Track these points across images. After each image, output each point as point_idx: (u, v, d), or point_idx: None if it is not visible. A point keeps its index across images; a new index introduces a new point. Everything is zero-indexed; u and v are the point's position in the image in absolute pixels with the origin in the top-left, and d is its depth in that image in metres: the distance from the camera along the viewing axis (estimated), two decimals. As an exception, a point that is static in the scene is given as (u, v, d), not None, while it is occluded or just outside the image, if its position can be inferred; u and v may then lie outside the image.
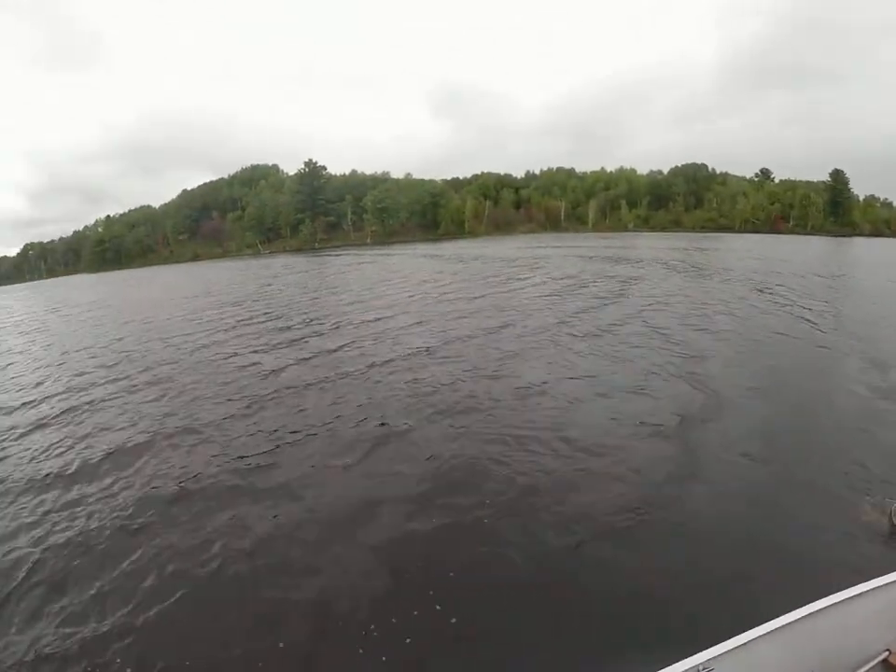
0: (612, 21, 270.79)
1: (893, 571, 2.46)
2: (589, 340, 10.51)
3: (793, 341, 10.98)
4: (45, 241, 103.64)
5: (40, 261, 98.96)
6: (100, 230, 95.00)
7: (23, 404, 8.95)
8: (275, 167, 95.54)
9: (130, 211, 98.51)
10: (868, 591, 2.37)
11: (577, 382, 8.15)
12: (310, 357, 10.05)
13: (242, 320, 15.08)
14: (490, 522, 4.58)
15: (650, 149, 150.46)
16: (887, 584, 2.41)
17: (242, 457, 5.95)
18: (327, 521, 4.71)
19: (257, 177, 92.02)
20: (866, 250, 46.46)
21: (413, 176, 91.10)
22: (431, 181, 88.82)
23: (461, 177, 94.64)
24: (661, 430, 6.45)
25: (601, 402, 7.37)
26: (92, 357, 12.01)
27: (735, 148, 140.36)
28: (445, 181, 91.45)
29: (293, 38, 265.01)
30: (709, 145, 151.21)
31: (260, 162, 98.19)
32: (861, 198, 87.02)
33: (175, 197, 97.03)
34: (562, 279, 20.96)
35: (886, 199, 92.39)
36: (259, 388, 8.40)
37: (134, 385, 9.21)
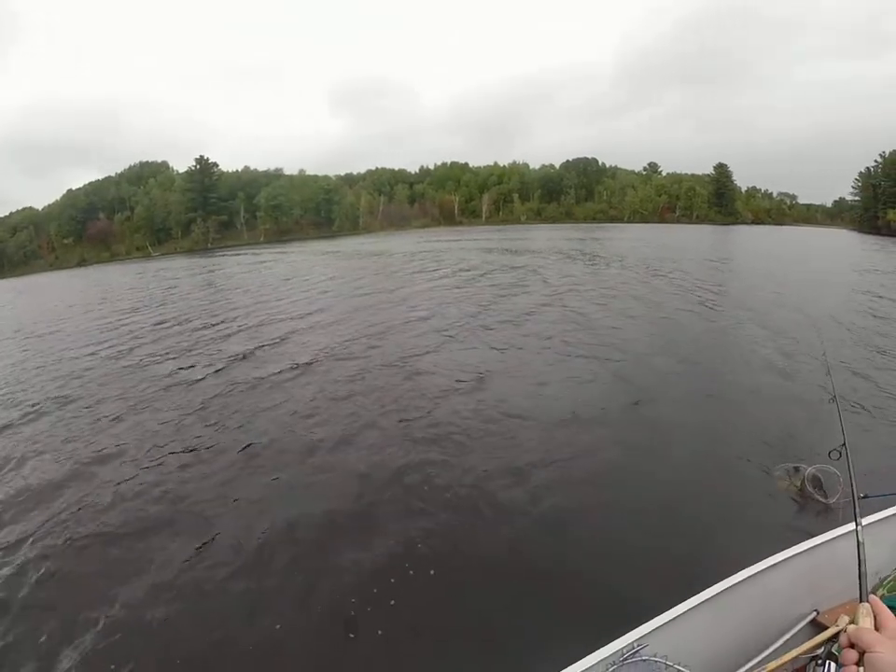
0: (516, 21, 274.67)
1: (813, 536, 2.55)
2: (508, 328, 11.18)
3: (695, 316, 12.21)
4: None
5: None
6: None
7: None
8: (165, 164, 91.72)
9: (11, 213, 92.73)
10: (792, 556, 2.45)
11: (503, 369, 8.49)
12: (225, 366, 9.66)
13: (147, 329, 14.31)
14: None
15: (544, 146, 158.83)
16: (808, 549, 2.50)
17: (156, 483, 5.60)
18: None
19: (146, 175, 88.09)
20: (747, 236, 51.13)
21: (308, 173, 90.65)
22: (325, 177, 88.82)
23: (355, 173, 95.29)
24: (584, 408, 6.76)
25: (529, 388, 7.62)
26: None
27: (626, 146, 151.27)
28: (339, 177, 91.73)
29: (186, 27, 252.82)
30: (602, 142, 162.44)
31: (150, 159, 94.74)
32: (744, 189, 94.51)
33: (59, 198, 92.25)
34: (467, 270, 21.92)
35: (767, 190, 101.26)
36: (176, 400, 8.08)
37: (45, 405, 8.56)
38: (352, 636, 3.45)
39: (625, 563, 3.92)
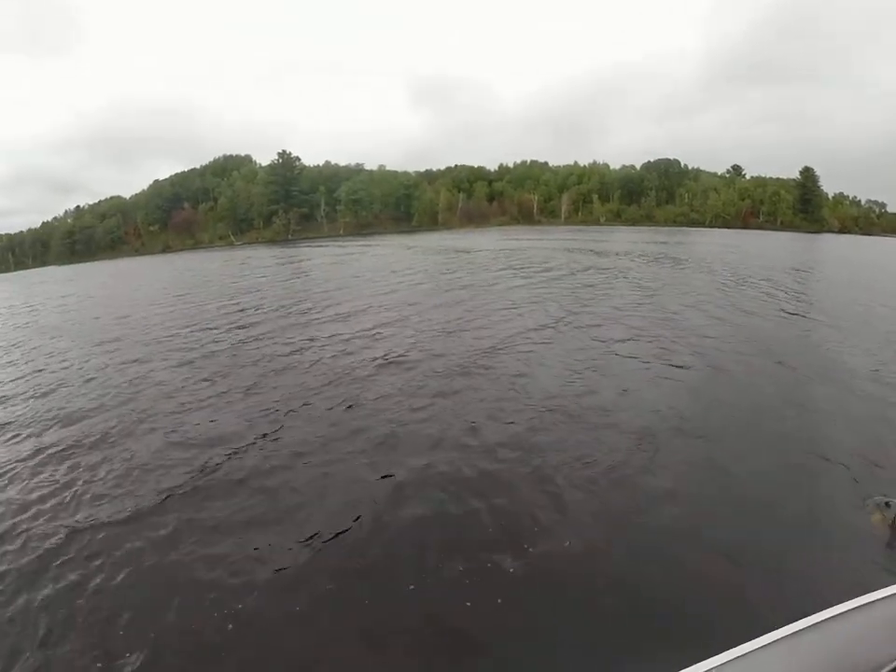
0: (594, 14, 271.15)
1: None
2: (608, 324, 10.99)
3: (788, 326, 11.46)
4: (12, 232, 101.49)
5: (7, 253, 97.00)
6: (69, 221, 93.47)
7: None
8: (248, 157, 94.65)
9: (100, 201, 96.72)
10: (878, 599, 2.30)
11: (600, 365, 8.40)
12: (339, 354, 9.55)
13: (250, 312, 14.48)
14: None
15: (624, 144, 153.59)
16: (887, 597, 2.33)
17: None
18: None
19: (229, 168, 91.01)
20: (837, 245, 47.73)
21: (387, 168, 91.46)
22: (405, 173, 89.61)
23: (434, 169, 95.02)
24: (674, 415, 6.44)
25: (621, 389, 7.45)
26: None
27: (708, 145, 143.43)
28: (419, 173, 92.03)
29: (270, 28, 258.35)
30: (683, 141, 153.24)
31: (233, 153, 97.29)
32: (831, 195, 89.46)
33: (146, 187, 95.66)
34: (553, 269, 21.45)
35: (855, 197, 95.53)
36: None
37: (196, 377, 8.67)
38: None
39: (698, 588, 3.76)
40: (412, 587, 3.76)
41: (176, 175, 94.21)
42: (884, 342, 10.40)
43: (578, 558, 4.08)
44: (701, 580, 3.84)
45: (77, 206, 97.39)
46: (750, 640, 2.03)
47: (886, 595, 2.29)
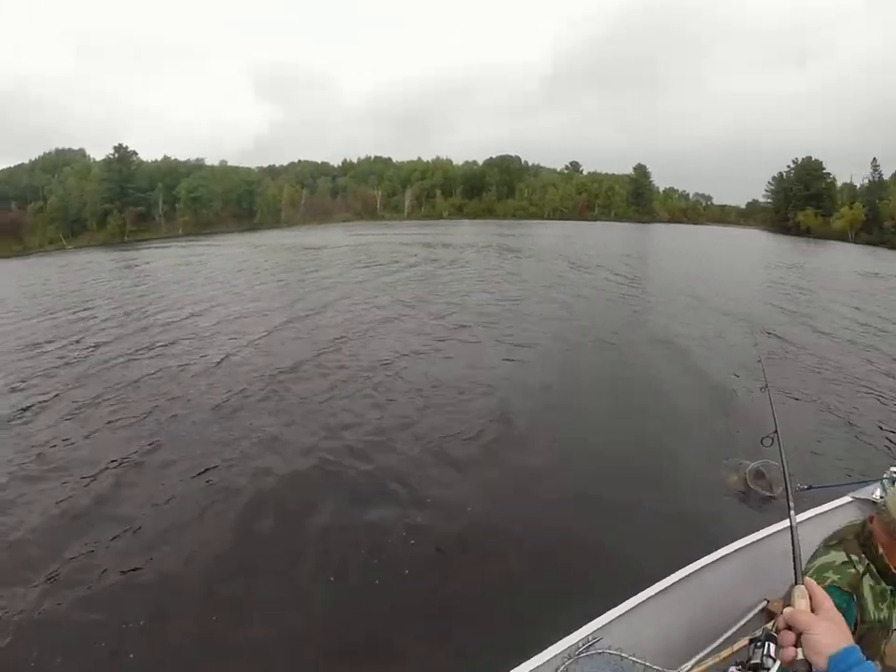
0: (447, 16, 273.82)
1: (759, 529, 2.68)
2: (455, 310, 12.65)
3: (623, 308, 13.41)
4: None
5: None
6: None
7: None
8: (82, 151, 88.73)
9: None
10: (740, 548, 2.56)
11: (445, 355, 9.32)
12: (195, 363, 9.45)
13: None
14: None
15: (469, 142, 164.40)
16: (755, 541, 2.62)
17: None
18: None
19: (61, 163, 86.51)
20: (666, 235, 54.99)
21: (229, 164, 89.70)
22: (247, 169, 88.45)
23: (278, 165, 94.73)
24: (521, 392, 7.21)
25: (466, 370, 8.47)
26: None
27: (548, 146, 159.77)
28: (261, 169, 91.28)
29: (104, 8, 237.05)
30: (525, 140, 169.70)
31: (66, 146, 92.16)
32: (662, 190, 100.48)
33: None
34: (400, 263, 23.08)
35: (683, 191, 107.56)
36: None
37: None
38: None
39: (577, 559, 3.98)
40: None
41: (2, 171, 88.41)
42: (719, 317, 12.29)
43: (465, 530, 4.37)
44: (580, 542, 4.11)
45: None
46: (629, 598, 2.22)
47: (747, 543, 2.56)
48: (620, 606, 2.20)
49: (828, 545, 1.86)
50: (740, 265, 27.80)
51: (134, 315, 14.91)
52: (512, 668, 1.90)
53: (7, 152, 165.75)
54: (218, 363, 9.52)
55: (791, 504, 1.63)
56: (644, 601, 2.25)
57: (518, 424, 6.60)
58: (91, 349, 11.17)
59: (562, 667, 1.96)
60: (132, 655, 3.45)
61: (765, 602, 2.56)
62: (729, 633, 2.41)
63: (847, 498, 3.00)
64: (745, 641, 2.20)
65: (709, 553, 2.52)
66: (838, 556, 1.77)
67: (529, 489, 5.11)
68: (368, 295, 15.40)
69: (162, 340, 11.63)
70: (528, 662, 1.93)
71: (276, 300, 15.52)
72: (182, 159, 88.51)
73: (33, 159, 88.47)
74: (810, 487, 3.08)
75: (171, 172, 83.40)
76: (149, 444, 6.39)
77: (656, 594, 2.29)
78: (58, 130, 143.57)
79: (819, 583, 1.10)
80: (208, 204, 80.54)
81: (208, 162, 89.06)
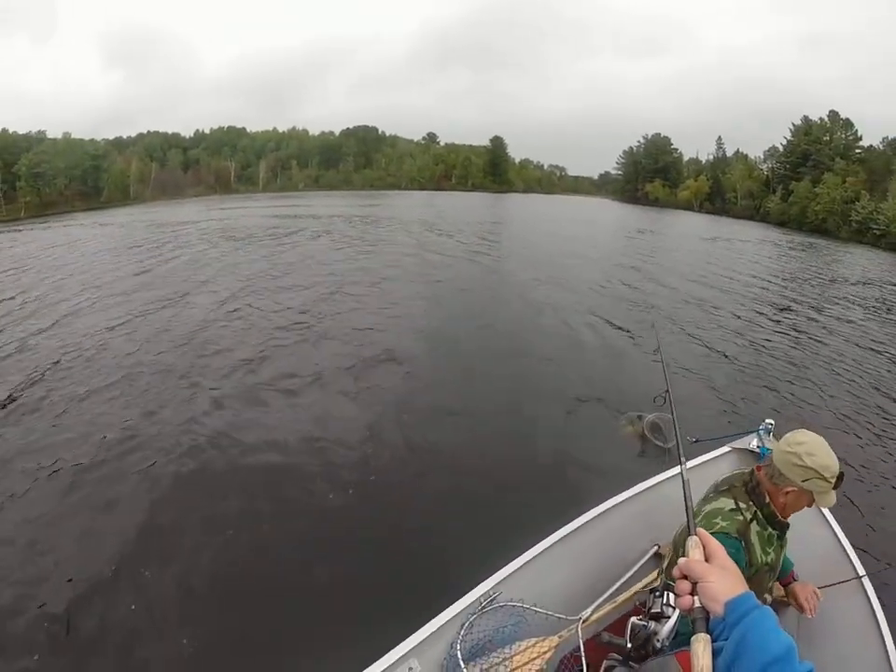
0: None
1: (650, 477, 2.77)
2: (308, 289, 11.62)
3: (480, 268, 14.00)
4: None
5: None
6: None
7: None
8: None
9: None
10: (631, 496, 2.65)
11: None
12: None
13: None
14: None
15: (327, 114, 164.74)
16: (646, 489, 2.71)
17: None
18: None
19: None
20: (523, 203, 56.92)
21: (73, 136, 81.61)
22: (92, 141, 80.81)
23: (126, 137, 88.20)
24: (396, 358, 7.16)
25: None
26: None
27: (410, 119, 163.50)
28: (108, 141, 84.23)
29: None
30: (386, 113, 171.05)
31: None
32: (518, 161, 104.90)
33: None
34: (272, 238, 21.03)
35: (539, 162, 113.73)
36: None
37: None
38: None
39: (474, 515, 3.93)
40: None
41: None
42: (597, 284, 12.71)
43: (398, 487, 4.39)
44: (477, 497, 4.18)
45: None
46: (532, 547, 2.29)
47: (638, 491, 2.69)
48: (518, 559, 2.24)
49: (719, 490, 1.98)
50: (600, 231, 29.40)
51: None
52: (419, 626, 1.93)
53: None
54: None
55: (683, 457, 1.63)
56: (541, 552, 2.30)
57: (415, 382, 6.62)
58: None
59: (467, 623, 2.01)
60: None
61: (657, 547, 2.66)
62: (624, 578, 2.47)
63: (726, 448, 3.08)
64: (639, 586, 2.43)
65: (603, 502, 2.59)
66: (727, 503, 1.88)
67: (427, 444, 5.06)
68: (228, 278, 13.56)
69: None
70: (435, 619, 1.97)
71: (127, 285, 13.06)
72: (22, 132, 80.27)
73: None
74: (697, 440, 3.02)
75: (9, 146, 78.15)
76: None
77: (552, 544, 2.34)
78: None
79: (708, 529, 1.22)
80: (51, 182, 74.56)
81: (50, 135, 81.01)
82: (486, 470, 4.67)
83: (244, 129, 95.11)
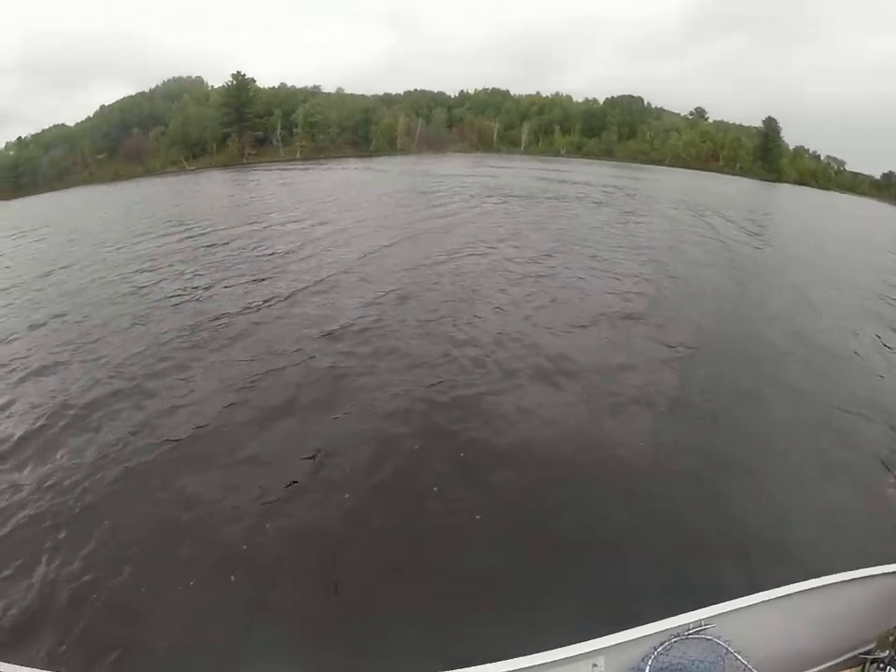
0: None
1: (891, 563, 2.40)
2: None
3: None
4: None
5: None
6: (11, 153, 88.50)
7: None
8: (200, 80, 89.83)
9: (43, 131, 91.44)
10: (879, 574, 2.30)
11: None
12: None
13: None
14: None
15: (589, 80, 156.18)
16: (883, 574, 2.34)
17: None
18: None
19: (180, 91, 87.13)
20: (797, 199, 51.05)
21: (345, 91, 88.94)
22: (363, 96, 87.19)
23: (393, 93, 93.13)
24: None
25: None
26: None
27: (673, 90, 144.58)
28: (377, 97, 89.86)
29: None
30: (649, 82, 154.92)
31: (184, 75, 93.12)
32: (792, 147, 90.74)
33: (91, 114, 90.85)
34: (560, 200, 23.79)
35: (815, 151, 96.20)
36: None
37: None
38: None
39: (708, 543, 3.83)
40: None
41: (124, 99, 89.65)
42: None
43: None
44: (708, 536, 3.95)
45: (19, 137, 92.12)
46: (759, 592, 2.12)
47: (888, 570, 2.28)
48: (738, 600, 2.09)
49: None
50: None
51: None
52: (614, 632, 1.91)
53: (128, 82, 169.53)
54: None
55: None
56: (765, 601, 2.12)
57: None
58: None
59: (667, 642, 1.96)
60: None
61: (872, 645, 2.31)
62: (843, 658, 2.25)
63: None
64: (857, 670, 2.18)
65: (846, 572, 2.25)
66: None
67: (665, 467, 4.92)
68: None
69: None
70: (635, 629, 1.93)
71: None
72: (299, 86, 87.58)
73: (152, 87, 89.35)
74: None
75: (288, 98, 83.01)
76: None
77: (779, 597, 2.14)
78: (176, 61, 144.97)
79: None
80: (325, 130, 79.49)
81: (325, 90, 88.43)
82: (727, 496, 4.44)
83: (507, 91, 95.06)
